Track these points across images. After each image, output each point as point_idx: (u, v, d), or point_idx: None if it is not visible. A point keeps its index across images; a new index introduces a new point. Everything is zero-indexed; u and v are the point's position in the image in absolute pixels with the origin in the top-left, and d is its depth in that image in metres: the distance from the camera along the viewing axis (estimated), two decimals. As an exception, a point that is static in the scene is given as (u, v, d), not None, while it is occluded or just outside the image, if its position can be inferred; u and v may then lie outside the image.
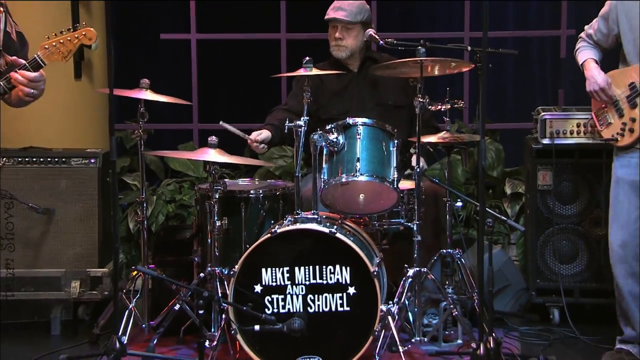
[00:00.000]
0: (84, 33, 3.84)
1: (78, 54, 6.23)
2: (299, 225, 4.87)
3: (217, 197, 5.09)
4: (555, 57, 7.13)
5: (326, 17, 5.79)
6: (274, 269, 4.80)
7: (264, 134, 5.53)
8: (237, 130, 5.52)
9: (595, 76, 4.98)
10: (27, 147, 5.90)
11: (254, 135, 5.51)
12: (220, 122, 5.58)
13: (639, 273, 4.94)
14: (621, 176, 4.94)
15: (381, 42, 5.54)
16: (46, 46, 3.75)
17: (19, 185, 5.72)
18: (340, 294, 4.77)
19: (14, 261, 5.72)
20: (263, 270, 4.80)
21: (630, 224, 4.91)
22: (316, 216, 4.94)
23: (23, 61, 3.72)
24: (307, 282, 4.79)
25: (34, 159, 5.79)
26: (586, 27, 5.18)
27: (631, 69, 4.88)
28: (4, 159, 5.61)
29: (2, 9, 3.80)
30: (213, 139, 5.08)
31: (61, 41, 3.79)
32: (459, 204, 5.35)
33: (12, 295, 5.69)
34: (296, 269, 4.79)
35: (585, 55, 5.12)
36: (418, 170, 5.10)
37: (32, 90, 3.68)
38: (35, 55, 3.71)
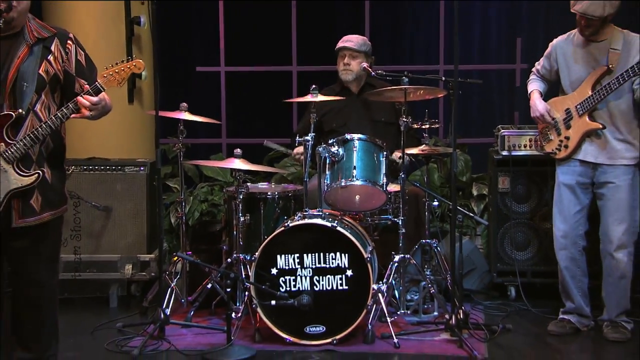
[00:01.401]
0: (134, 64, 3.80)
1: (131, 82, 6.24)
2: (307, 220, 4.87)
3: (241, 197, 5.12)
4: (512, 86, 7.09)
5: (337, 47, 5.75)
6: (286, 255, 4.80)
7: (300, 149, 5.37)
8: (280, 147, 5.55)
9: (536, 105, 5.02)
10: (91, 157, 5.88)
11: (296, 150, 5.53)
12: (265, 142, 5.63)
13: (577, 258, 4.97)
14: (562, 181, 4.97)
15: (373, 73, 5.60)
16: (105, 75, 3.72)
17: (84, 188, 5.71)
18: (340, 276, 4.78)
19: (80, 248, 5.72)
20: (278, 256, 4.81)
21: (570, 218, 4.94)
22: (321, 213, 4.93)
23: (88, 87, 3.74)
24: (314, 266, 4.80)
25: (96, 167, 5.79)
26: (536, 63, 5.19)
27: (567, 97, 4.92)
28: (73, 167, 5.58)
29: (71, 42, 3.81)
30: (238, 151, 5.11)
31: (116, 70, 3.76)
32: (436, 203, 5.40)
33: (79, 275, 5.71)
34: (305, 255, 4.80)
35: (532, 86, 5.15)
36: (402, 174, 5.10)
37: (91, 113, 3.67)
38: (97, 83, 3.71)
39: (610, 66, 4.75)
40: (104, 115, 3.81)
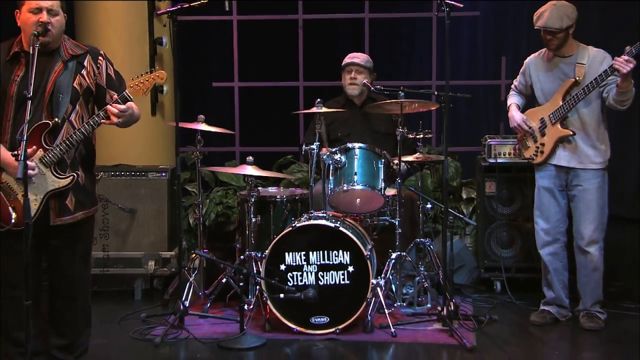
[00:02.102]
0: (157, 74, 3.82)
1: (153, 97, 6.24)
2: (312, 221, 4.86)
3: (253, 200, 5.12)
4: (497, 100, 7.04)
5: (344, 63, 5.72)
6: (294, 253, 4.80)
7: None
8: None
9: (514, 116, 5.03)
10: (117, 164, 5.92)
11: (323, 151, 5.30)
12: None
13: (559, 253, 4.98)
14: (541, 185, 4.98)
15: (372, 88, 5.60)
16: (131, 85, 3.72)
17: (111, 192, 5.71)
18: (343, 271, 4.78)
19: (108, 246, 5.72)
20: (286, 254, 4.80)
21: (550, 218, 4.95)
22: (325, 214, 4.93)
23: (116, 96, 3.77)
24: (318, 263, 4.79)
25: (122, 173, 5.80)
26: (514, 80, 5.22)
27: (541, 108, 4.95)
28: (102, 173, 5.51)
29: (102, 58, 3.84)
30: (250, 158, 5.11)
31: (141, 81, 3.78)
32: (429, 205, 5.39)
33: (106, 270, 5.71)
34: (310, 253, 4.79)
35: (510, 100, 5.16)
36: (399, 179, 5.10)
37: (119, 120, 3.68)
38: (124, 92, 3.72)
39: (577, 78, 4.79)
40: (133, 123, 3.83)
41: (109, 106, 3.68)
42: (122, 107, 3.69)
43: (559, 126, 4.85)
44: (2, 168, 3.65)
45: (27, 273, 3.38)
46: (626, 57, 4.52)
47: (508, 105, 5.15)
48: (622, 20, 7.40)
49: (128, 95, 3.74)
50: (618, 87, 4.66)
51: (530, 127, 4.98)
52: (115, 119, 3.68)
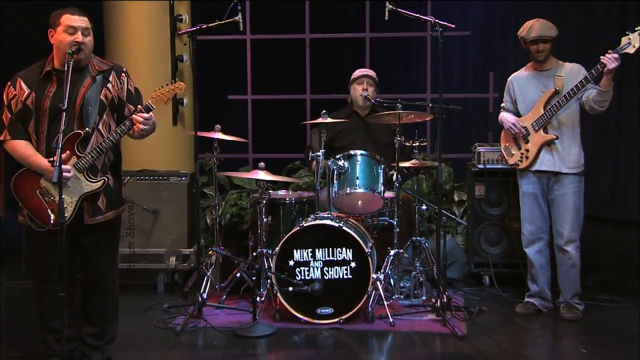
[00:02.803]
0: (177, 86, 3.83)
1: (174, 108, 6.25)
2: (318, 222, 4.86)
3: (264, 202, 5.11)
4: (486, 111, 7.09)
5: (358, 75, 5.68)
6: (301, 250, 4.80)
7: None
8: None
9: (506, 117, 5.02)
10: (142, 169, 5.89)
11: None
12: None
13: (543, 250, 4.98)
14: (525, 190, 4.99)
15: (372, 101, 5.60)
16: (153, 96, 3.76)
17: (136, 194, 5.72)
18: (346, 267, 4.78)
19: (133, 243, 5.73)
20: (294, 251, 4.80)
21: (535, 219, 4.96)
22: (330, 215, 4.93)
23: (140, 107, 3.81)
24: (324, 259, 4.79)
25: (146, 177, 5.80)
26: (502, 102, 5.17)
27: (525, 118, 4.94)
28: (128, 177, 5.55)
29: (124, 74, 3.85)
30: (262, 164, 5.11)
31: (163, 92, 3.79)
32: (424, 207, 5.35)
33: (132, 265, 5.73)
34: (316, 250, 4.79)
35: (501, 114, 5.12)
36: (397, 183, 5.10)
37: (145, 127, 3.69)
38: (147, 103, 3.74)
39: (557, 88, 4.80)
40: (151, 133, 3.83)
41: (134, 115, 3.69)
42: (147, 115, 3.70)
43: (542, 132, 4.86)
44: (40, 174, 3.68)
45: (61, 268, 3.41)
46: (614, 55, 4.52)
47: (499, 119, 5.12)
48: (597, 38, 7.47)
49: (150, 105, 3.76)
50: (599, 87, 4.66)
51: (524, 127, 4.93)
52: (140, 126, 3.69)
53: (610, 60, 4.53)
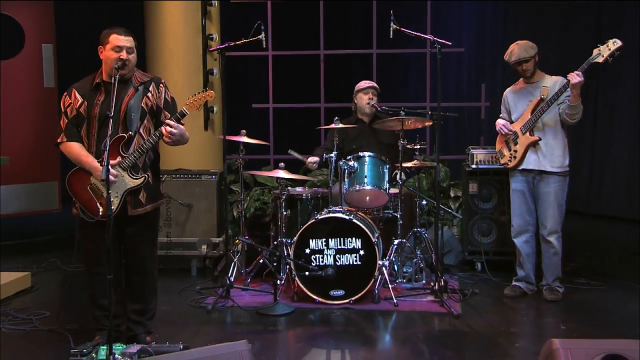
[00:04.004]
0: (208, 94, 3.82)
1: (205, 115, 6.24)
2: (331, 215, 4.85)
3: (284, 197, 5.11)
4: (478, 118, 7.03)
5: (365, 86, 5.60)
6: (316, 239, 4.80)
7: (314, 158, 5.44)
8: (299, 155, 5.45)
9: (498, 121, 5.00)
10: (178, 168, 5.89)
11: (310, 159, 5.45)
12: (289, 151, 5.62)
13: (529, 240, 4.95)
14: (514, 188, 4.96)
15: (379, 109, 5.56)
16: (187, 102, 3.77)
17: (173, 190, 5.73)
18: (355, 254, 4.77)
19: (170, 233, 5.76)
20: (310, 240, 4.80)
21: (522, 214, 4.93)
22: (341, 209, 4.93)
23: (168, 114, 3.78)
24: (336, 247, 4.78)
25: (182, 175, 5.81)
26: (500, 115, 5.12)
27: (515, 124, 4.92)
28: (165, 175, 5.52)
29: (162, 85, 3.86)
30: (281, 164, 5.10)
31: (196, 99, 3.76)
32: (424, 202, 5.35)
33: (169, 252, 5.74)
34: (330, 239, 4.79)
35: (497, 121, 5.07)
36: (400, 181, 5.12)
37: (174, 131, 3.64)
38: (182, 108, 3.75)
39: (542, 97, 4.79)
40: (184, 143, 3.80)
41: (168, 121, 3.69)
42: (175, 124, 3.67)
43: (528, 134, 4.83)
44: (90, 172, 3.71)
45: (109, 254, 3.43)
46: (578, 72, 4.52)
47: (496, 124, 5.07)
48: (576, 52, 7.42)
49: (185, 111, 3.76)
50: (569, 102, 4.65)
51: (512, 131, 4.92)
52: (169, 129, 3.64)
53: (574, 76, 4.53)
